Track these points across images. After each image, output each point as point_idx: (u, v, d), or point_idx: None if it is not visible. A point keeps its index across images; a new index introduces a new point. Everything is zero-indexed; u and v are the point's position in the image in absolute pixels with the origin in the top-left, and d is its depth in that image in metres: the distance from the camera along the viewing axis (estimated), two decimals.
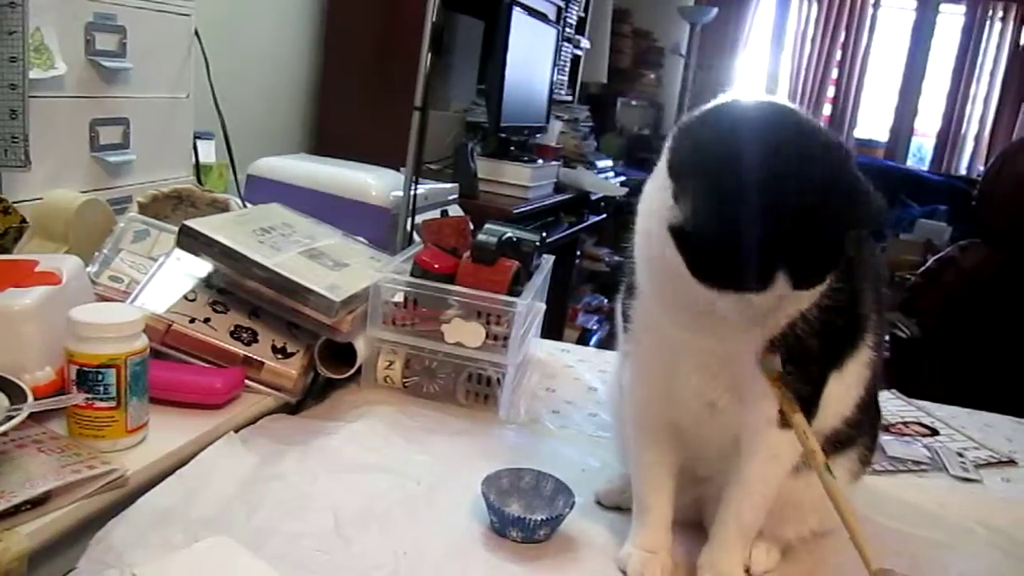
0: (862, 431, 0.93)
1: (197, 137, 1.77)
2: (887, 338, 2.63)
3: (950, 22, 5.95)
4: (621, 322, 0.91)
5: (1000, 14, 5.91)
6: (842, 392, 0.86)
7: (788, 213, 0.67)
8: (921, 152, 6.45)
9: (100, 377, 0.86)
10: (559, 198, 3.16)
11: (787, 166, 0.68)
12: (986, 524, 1.05)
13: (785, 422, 0.79)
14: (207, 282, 1.14)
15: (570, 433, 1.18)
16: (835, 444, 0.89)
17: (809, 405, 0.81)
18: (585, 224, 3.40)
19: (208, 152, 1.89)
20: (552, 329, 3.03)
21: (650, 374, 0.87)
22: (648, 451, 0.89)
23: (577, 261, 3.69)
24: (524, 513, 0.89)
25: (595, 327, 3.95)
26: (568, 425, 1.20)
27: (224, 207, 1.39)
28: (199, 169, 1.76)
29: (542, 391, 1.32)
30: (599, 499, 0.99)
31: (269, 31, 2.48)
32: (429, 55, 1.91)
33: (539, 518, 0.87)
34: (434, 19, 1.86)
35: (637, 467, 0.90)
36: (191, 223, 1.09)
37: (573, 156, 3.58)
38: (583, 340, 3.65)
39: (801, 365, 0.79)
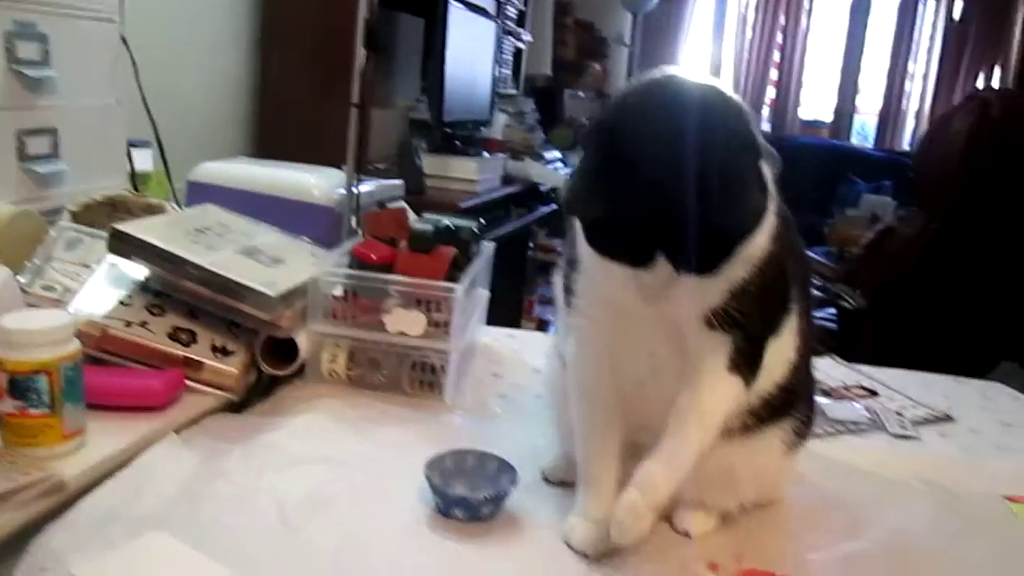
0: (796, 402, 0.93)
1: (132, 145, 1.75)
2: (834, 311, 2.69)
3: (886, 1, 6.06)
4: (562, 296, 0.91)
5: None
6: (774, 358, 0.87)
7: (661, 199, 0.67)
8: (865, 130, 6.57)
9: (32, 384, 0.85)
10: (507, 190, 3.17)
11: (666, 148, 0.68)
12: (922, 478, 1.08)
13: (733, 368, 0.81)
14: (143, 286, 1.13)
15: (516, 415, 1.19)
16: (769, 412, 0.90)
17: (753, 360, 0.83)
18: (536, 216, 3.42)
19: (145, 160, 1.87)
20: (509, 322, 3.04)
21: (595, 343, 0.88)
22: (593, 422, 0.90)
23: (530, 253, 3.71)
24: (469, 493, 0.90)
25: (553, 318, 3.97)
26: (514, 408, 1.21)
27: (160, 212, 1.37)
28: (134, 177, 1.74)
29: (488, 376, 1.32)
30: (545, 475, 1.00)
31: (203, 34, 2.46)
32: (365, 52, 1.91)
33: (482, 496, 0.88)
34: (367, 16, 1.86)
35: (581, 438, 0.91)
36: (121, 226, 1.08)
37: (521, 149, 3.59)
38: (541, 331, 3.66)
39: (742, 329, 0.80)
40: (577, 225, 0.80)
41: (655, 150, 0.69)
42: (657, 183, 0.68)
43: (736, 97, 0.75)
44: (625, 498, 0.81)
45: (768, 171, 0.77)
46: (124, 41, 1.61)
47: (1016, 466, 1.14)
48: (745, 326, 0.80)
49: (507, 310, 3.53)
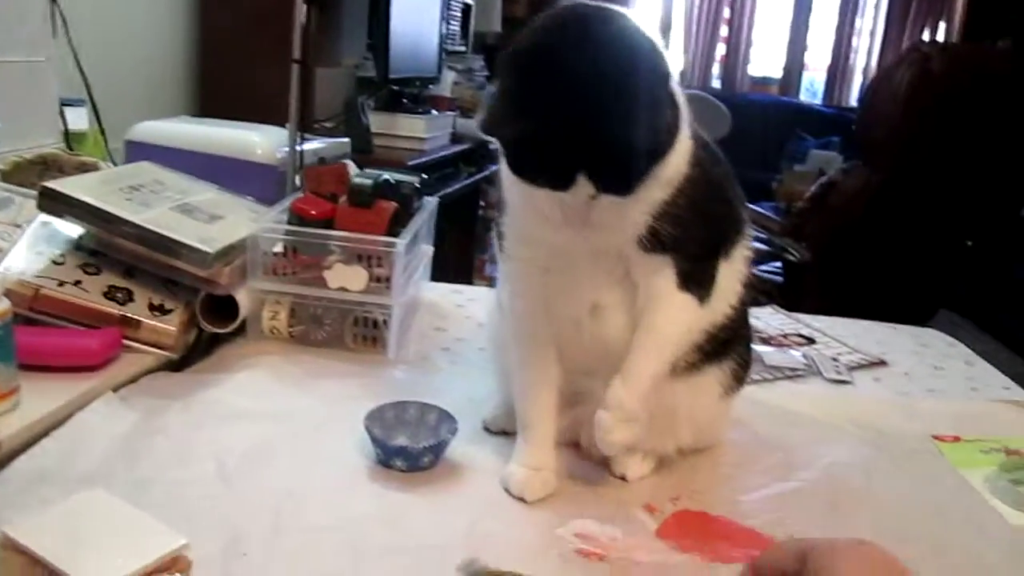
0: (736, 343, 0.96)
1: (66, 104, 1.71)
2: (779, 265, 2.73)
3: None
4: (497, 242, 0.92)
5: None
6: (726, 284, 0.89)
7: (578, 115, 0.69)
8: (814, 86, 6.63)
9: None
10: (457, 148, 3.16)
11: (581, 68, 0.70)
12: (855, 420, 1.11)
13: (684, 286, 0.83)
14: (77, 245, 1.11)
15: (459, 368, 1.19)
16: (713, 348, 0.92)
17: (704, 275, 0.85)
18: (486, 174, 3.40)
19: (80, 119, 1.82)
20: (461, 281, 3.04)
21: (528, 285, 0.89)
22: (530, 368, 0.91)
23: (481, 211, 3.70)
24: (409, 443, 0.90)
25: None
26: (458, 361, 1.22)
27: (94, 170, 1.34)
28: (68, 136, 1.70)
29: (432, 331, 1.33)
30: (486, 425, 1.01)
31: None
32: (306, 7, 1.88)
33: (422, 446, 0.89)
34: None
35: (520, 385, 0.92)
36: (51, 184, 1.06)
37: (470, 106, 3.57)
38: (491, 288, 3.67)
39: (679, 251, 0.82)
40: (504, 167, 0.81)
41: (567, 69, 0.70)
42: (569, 101, 0.69)
43: (642, 22, 0.76)
44: (595, 416, 0.83)
45: (681, 96, 0.79)
46: None
47: (944, 407, 1.18)
48: (680, 248, 0.81)
49: (459, 269, 3.53)
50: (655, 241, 0.80)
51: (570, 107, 0.70)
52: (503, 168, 0.82)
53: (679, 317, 0.85)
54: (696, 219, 0.81)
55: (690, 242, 0.82)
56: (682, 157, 0.79)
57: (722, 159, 0.92)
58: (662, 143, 0.75)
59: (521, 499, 0.86)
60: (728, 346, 0.94)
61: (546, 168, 0.73)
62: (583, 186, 0.72)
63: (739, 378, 0.98)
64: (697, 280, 0.84)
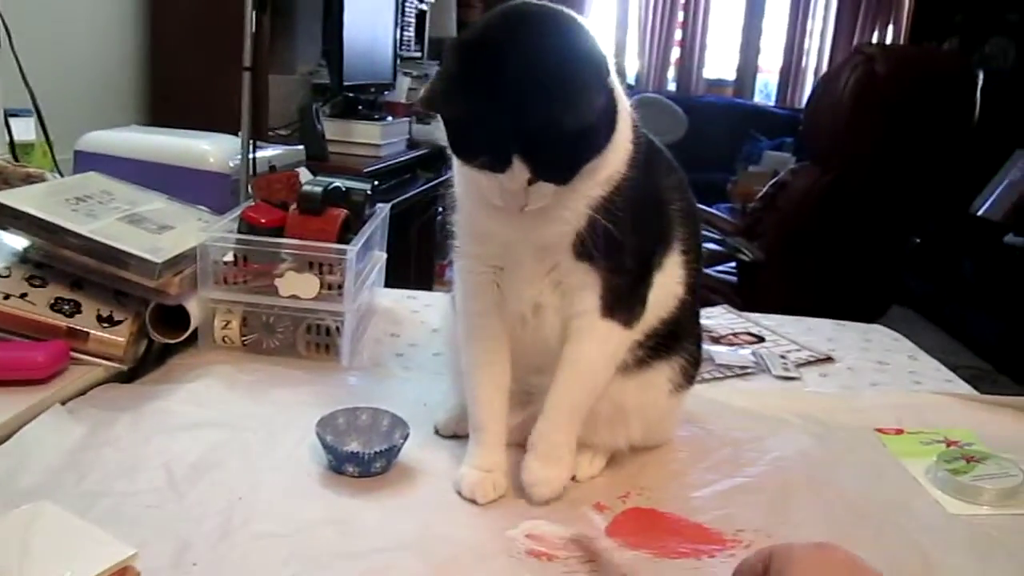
0: (683, 340, 0.97)
1: (11, 114, 1.68)
2: (734, 265, 2.77)
3: None
4: (451, 242, 0.94)
5: None
6: (661, 292, 0.91)
7: (513, 98, 0.72)
8: (767, 88, 6.72)
9: None
10: (414, 154, 3.16)
11: (519, 55, 0.73)
12: (801, 414, 1.13)
13: (608, 312, 0.84)
14: (23, 257, 1.10)
15: (413, 373, 1.20)
16: (657, 345, 0.93)
17: (631, 300, 0.87)
18: (444, 178, 3.40)
19: (27, 130, 1.80)
20: (421, 287, 3.04)
21: (480, 284, 0.91)
22: (481, 369, 0.92)
23: (440, 217, 3.70)
24: (360, 449, 0.91)
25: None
26: (411, 367, 1.23)
27: (40, 181, 1.33)
28: (14, 147, 1.67)
29: (386, 337, 1.33)
30: (438, 429, 1.01)
31: None
32: (254, 13, 1.87)
33: (373, 451, 0.89)
34: None
35: (471, 387, 0.93)
36: None
37: (426, 112, 3.56)
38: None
39: (613, 257, 0.83)
40: (455, 161, 0.84)
41: (505, 54, 0.74)
42: (506, 84, 0.72)
43: (586, 22, 0.79)
44: (524, 465, 0.88)
45: (624, 99, 0.82)
46: None
47: (887, 400, 1.21)
48: (612, 256, 0.83)
49: (418, 274, 3.53)
50: (588, 246, 0.82)
51: (507, 90, 0.72)
52: (455, 163, 0.85)
53: (601, 350, 0.88)
54: (631, 224, 0.83)
55: (622, 250, 0.84)
56: (620, 156, 0.82)
57: (675, 167, 0.94)
58: (597, 136, 0.78)
59: (473, 501, 0.87)
60: (676, 342, 0.96)
61: (483, 149, 0.75)
62: (519, 170, 0.75)
63: (689, 376, 0.99)
64: (623, 303, 0.86)
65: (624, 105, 0.83)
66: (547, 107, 0.72)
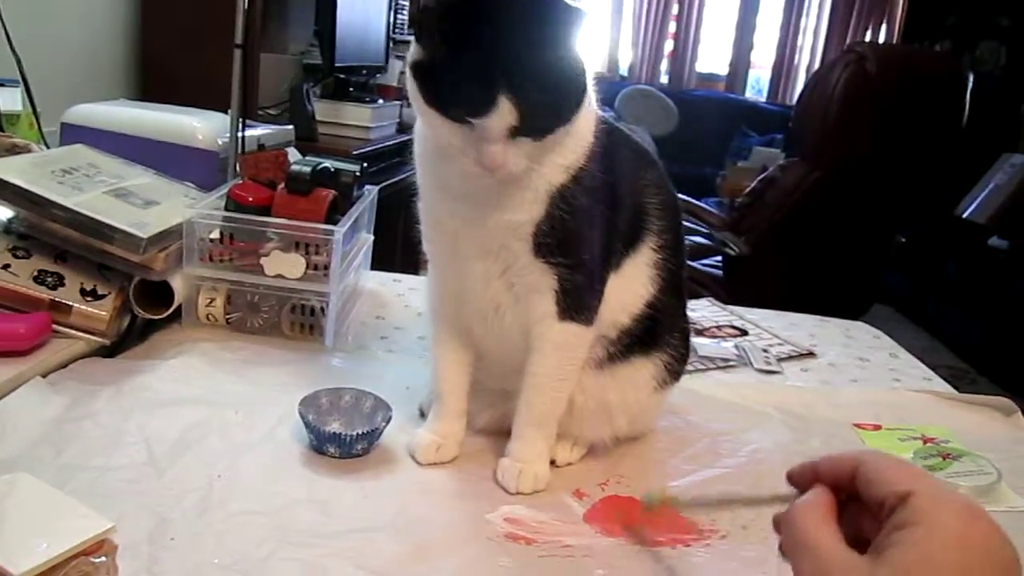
0: (664, 335, 0.96)
1: None
2: (719, 258, 2.78)
3: None
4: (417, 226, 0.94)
5: None
6: (624, 294, 0.91)
7: (501, 38, 0.72)
8: (759, 84, 6.74)
9: None
10: (404, 138, 3.14)
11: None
12: (781, 408, 1.14)
13: (565, 314, 0.85)
14: (6, 228, 1.09)
15: (397, 356, 1.20)
16: (632, 341, 0.93)
17: (588, 298, 0.86)
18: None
19: (13, 100, 1.78)
20: (410, 270, 3.03)
21: (442, 272, 0.93)
22: (443, 346, 0.95)
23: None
24: (342, 430, 0.91)
25: None
26: (395, 349, 1.23)
27: (26, 152, 1.32)
28: (0, 118, 1.66)
29: (371, 319, 1.33)
30: (422, 410, 1.02)
31: None
32: None
33: (356, 433, 0.89)
34: None
35: (434, 360, 0.96)
36: None
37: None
38: None
39: (571, 253, 0.83)
40: (417, 143, 0.86)
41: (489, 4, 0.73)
42: (493, 25, 0.72)
43: None
44: (500, 463, 0.90)
45: (590, 72, 0.81)
46: None
47: (866, 396, 1.22)
48: (571, 251, 0.83)
49: (404, 258, 3.51)
50: (545, 240, 0.82)
51: (494, 31, 0.72)
52: (416, 151, 0.86)
53: (564, 356, 0.89)
54: (589, 218, 0.83)
55: (581, 245, 0.84)
56: (582, 144, 0.82)
57: (653, 162, 0.93)
58: (576, 88, 0.77)
59: (414, 459, 0.91)
60: (658, 338, 0.96)
61: (468, 89, 0.73)
62: (505, 111, 0.72)
63: (674, 372, 0.99)
64: (581, 301, 0.86)
65: (591, 99, 0.82)
66: (536, 48, 0.72)
